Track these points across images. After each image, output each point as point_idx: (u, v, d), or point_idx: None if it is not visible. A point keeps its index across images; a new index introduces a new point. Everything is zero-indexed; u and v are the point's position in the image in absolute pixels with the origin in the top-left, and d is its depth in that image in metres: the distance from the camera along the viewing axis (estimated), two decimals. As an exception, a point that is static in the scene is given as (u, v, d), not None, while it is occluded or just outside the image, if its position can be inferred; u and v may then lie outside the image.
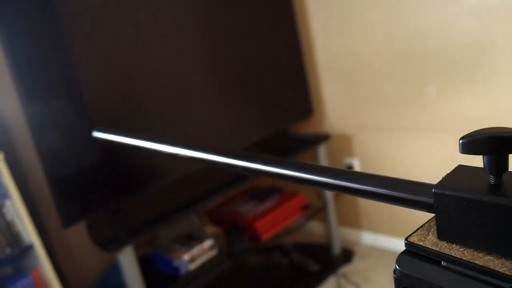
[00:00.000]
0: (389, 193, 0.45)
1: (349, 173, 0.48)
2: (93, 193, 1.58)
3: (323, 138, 2.23)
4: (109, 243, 1.58)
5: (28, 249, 1.51)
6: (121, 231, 1.63)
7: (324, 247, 2.38)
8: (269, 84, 2.10)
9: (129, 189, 1.67)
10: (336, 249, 2.33)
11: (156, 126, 1.72)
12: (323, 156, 2.21)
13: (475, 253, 0.39)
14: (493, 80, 1.77)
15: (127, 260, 1.60)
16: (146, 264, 1.85)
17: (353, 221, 2.43)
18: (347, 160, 2.33)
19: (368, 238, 2.39)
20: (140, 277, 1.63)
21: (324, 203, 2.26)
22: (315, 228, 2.57)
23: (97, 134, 0.62)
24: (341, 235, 2.41)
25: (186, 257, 1.80)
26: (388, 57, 2.02)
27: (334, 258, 2.31)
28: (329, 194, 2.27)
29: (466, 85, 1.84)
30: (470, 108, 1.85)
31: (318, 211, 2.30)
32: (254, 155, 0.53)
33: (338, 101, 2.29)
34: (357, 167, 2.29)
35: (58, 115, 1.49)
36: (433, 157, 1.96)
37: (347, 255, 2.32)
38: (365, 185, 0.46)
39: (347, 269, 2.23)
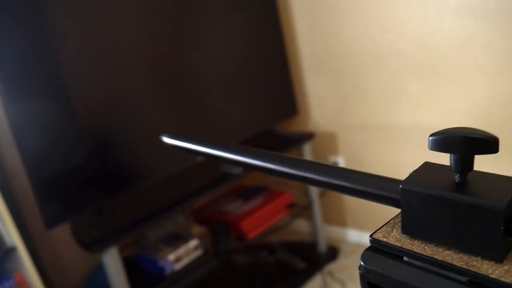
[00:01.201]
0: (358, 188, 0.46)
1: (319, 166, 0.49)
2: (77, 194, 1.58)
3: (308, 136, 2.24)
4: (94, 244, 1.58)
5: (10, 251, 1.50)
6: (106, 232, 1.63)
7: (310, 245, 2.39)
8: (254, 84, 2.10)
9: (114, 189, 1.67)
10: (322, 247, 2.34)
11: (142, 125, 1.72)
12: (308, 154, 2.22)
13: (435, 248, 0.40)
14: (474, 77, 1.79)
15: (112, 261, 1.60)
16: (132, 265, 1.85)
17: (338, 219, 2.45)
18: (332, 158, 2.35)
19: (353, 235, 2.41)
20: (125, 278, 1.63)
21: (310, 201, 2.28)
22: (301, 226, 2.59)
23: (167, 140, 0.61)
24: (327, 233, 2.43)
25: (171, 257, 1.81)
26: (372, 55, 2.04)
27: (320, 256, 2.33)
28: (314, 193, 2.28)
29: (448, 83, 1.86)
30: (451, 105, 1.87)
31: (304, 210, 2.32)
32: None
33: (322, 100, 2.30)
34: (342, 165, 2.31)
35: (40, 116, 1.49)
36: (416, 154, 1.98)
37: (332, 253, 2.33)
38: (333, 178, 0.47)
39: (332, 266, 2.25)
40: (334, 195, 2.40)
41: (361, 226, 2.36)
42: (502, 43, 1.69)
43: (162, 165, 1.78)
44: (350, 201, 2.35)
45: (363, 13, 2.00)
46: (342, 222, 2.45)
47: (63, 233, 1.81)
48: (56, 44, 1.50)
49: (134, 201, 1.87)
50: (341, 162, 2.32)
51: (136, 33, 1.69)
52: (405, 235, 0.43)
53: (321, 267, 2.25)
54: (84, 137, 1.59)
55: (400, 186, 0.42)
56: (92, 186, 1.61)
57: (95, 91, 1.60)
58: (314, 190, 2.27)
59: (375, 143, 2.16)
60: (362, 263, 0.43)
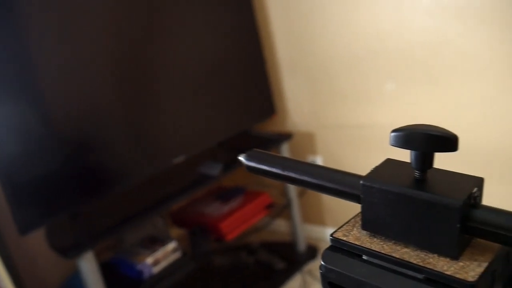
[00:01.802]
0: (320, 183, 0.46)
1: (284, 161, 0.49)
2: (52, 198, 1.55)
3: (286, 136, 2.24)
4: (69, 249, 1.56)
5: (-17, 258, 1.47)
6: (81, 237, 1.61)
7: (290, 245, 2.40)
8: (231, 85, 2.10)
9: (90, 192, 1.65)
10: (301, 246, 2.35)
11: (117, 128, 1.70)
12: (286, 154, 2.22)
13: (393, 246, 0.41)
14: (447, 76, 1.82)
15: (88, 266, 1.58)
16: (109, 269, 1.83)
17: (317, 218, 2.46)
18: (310, 158, 2.35)
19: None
20: (102, 283, 1.61)
21: (289, 201, 2.28)
22: (280, 226, 2.59)
23: (246, 162, 0.54)
24: (306, 232, 2.43)
25: (149, 260, 1.79)
26: (349, 55, 2.05)
27: (299, 255, 2.33)
28: (293, 193, 2.29)
29: (422, 82, 1.88)
30: (426, 104, 1.90)
31: (283, 209, 2.32)
32: None
33: (300, 100, 2.31)
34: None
35: (12, 119, 1.46)
36: (393, 152, 2.00)
37: (312, 252, 2.34)
38: (296, 173, 0.47)
39: (312, 265, 2.26)
40: (313, 194, 2.41)
41: (340, 225, 2.37)
42: (476, 44, 1.72)
43: (138, 167, 1.77)
44: (329, 200, 2.36)
45: (338, 16, 2.01)
46: (321, 221, 2.46)
47: (37, 239, 1.78)
48: (27, 47, 1.48)
49: (110, 204, 1.85)
50: (320, 162, 2.33)
51: (109, 36, 1.68)
52: (365, 232, 0.43)
53: (301, 266, 2.26)
54: (58, 140, 1.57)
55: (361, 182, 0.42)
56: (67, 190, 1.59)
57: (69, 94, 1.58)
58: (292, 190, 2.28)
59: (353, 142, 2.17)
60: (322, 263, 0.43)
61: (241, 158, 0.52)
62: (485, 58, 1.72)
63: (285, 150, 2.22)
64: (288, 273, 2.22)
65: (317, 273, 1.94)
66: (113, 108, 1.70)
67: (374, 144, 2.09)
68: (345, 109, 2.15)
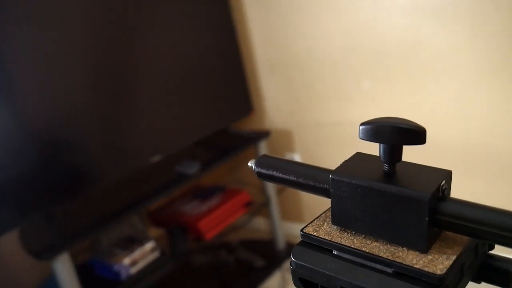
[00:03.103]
0: (289, 178, 0.46)
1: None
2: (25, 199, 1.52)
3: (264, 134, 2.24)
4: (43, 251, 1.53)
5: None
6: (57, 238, 1.58)
7: (269, 243, 2.40)
8: (208, 83, 2.09)
9: (65, 193, 1.62)
10: (281, 244, 2.35)
11: (92, 128, 1.68)
12: (264, 152, 2.22)
13: (363, 240, 0.40)
14: (422, 74, 1.83)
15: (63, 268, 1.55)
16: (86, 271, 1.80)
17: (296, 215, 2.47)
18: (288, 156, 2.36)
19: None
20: (78, 285, 1.59)
21: (267, 199, 2.28)
22: (259, 224, 2.59)
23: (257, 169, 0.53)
24: (285, 229, 2.43)
25: (126, 261, 1.77)
26: (326, 52, 2.05)
27: (278, 253, 2.34)
28: (271, 190, 2.29)
29: (397, 80, 1.90)
30: (401, 102, 1.91)
31: (262, 207, 2.32)
32: None
33: (278, 98, 2.31)
34: (298, 162, 2.32)
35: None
36: (369, 148, 2.01)
37: (291, 249, 2.33)
38: (264, 169, 0.47)
39: (291, 263, 2.26)
40: (291, 191, 2.41)
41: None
42: (450, 42, 1.74)
43: (115, 166, 1.74)
44: (307, 197, 2.37)
45: (315, 15, 2.01)
46: (299, 218, 2.46)
47: (11, 241, 1.74)
48: (3, 43, 1.45)
49: (87, 204, 1.82)
50: (297, 159, 2.33)
51: (84, 35, 1.65)
52: (336, 227, 0.43)
53: (280, 264, 2.26)
54: (32, 139, 1.53)
55: (330, 176, 0.42)
56: (42, 190, 1.56)
57: (42, 93, 1.55)
58: (271, 188, 2.28)
59: (330, 140, 2.18)
60: (292, 259, 0.42)
61: (251, 164, 0.50)
62: (459, 56, 1.74)
63: (263, 148, 2.22)
64: (267, 271, 2.22)
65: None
66: (88, 107, 1.67)
67: (351, 141, 2.09)
68: (322, 107, 2.15)
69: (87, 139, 1.67)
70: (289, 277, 2.03)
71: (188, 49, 1.99)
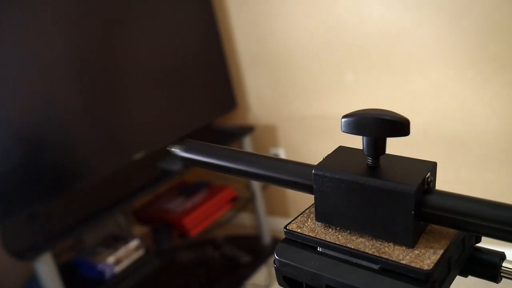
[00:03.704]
0: (269, 174, 0.45)
1: (233, 153, 0.47)
2: (6, 198, 1.49)
3: (248, 129, 2.23)
4: (25, 252, 1.50)
5: None
6: (39, 238, 1.55)
7: (255, 238, 2.39)
8: (191, 78, 2.06)
9: (47, 192, 1.59)
10: (266, 239, 2.34)
11: (75, 126, 1.65)
12: (248, 147, 2.21)
13: (349, 236, 0.39)
14: (405, 66, 1.83)
15: (46, 269, 1.52)
16: (69, 270, 1.77)
17: (281, 210, 2.46)
18: (273, 150, 2.35)
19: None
20: (61, 285, 1.56)
21: (252, 194, 2.27)
22: (244, 219, 2.58)
23: (181, 154, 0.52)
24: (271, 224, 2.43)
25: (111, 259, 1.75)
26: (309, 46, 2.04)
27: (264, 248, 2.33)
28: (256, 186, 2.28)
29: (380, 72, 1.90)
30: (385, 94, 1.91)
31: (247, 203, 2.31)
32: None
33: (261, 92, 2.29)
34: (283, 157, 2.31)
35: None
36: (354, 142, 2.01)
37: (277, 244, 2.34)
38: (244, 165, 0.45)
39: (277, 258, 2.25)
40: (276, 187, 2.40)
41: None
42: (432, 33, 1.74)
43: (98, 164, 1.71)
44: (292, 192, 2.36)
45: (298, 8, 2.00)
46: (285, 213, 2.46)
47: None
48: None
49: (69, 203, 1.79)
50: (282, 154, 2.32)
51: (67, 30, 1.61)
52: (320, 223, 0.42)
53: (266, 259, 2.25)
54: (12, 137, 1.50)
55: (313, 171, 0.41)
56: (23, 190, 1.53)
57: (23, 91, 1.51)
58: (256, 183, 2.26)
59: (314, 134, 2.18)
60: (276, 257, 0.41)
61: (174, 149, 0.50)
62: (441, 47, 1.74)
63: (247, 143, 2.21)
64: (253, 266, 2.21)
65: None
66: (70, 104, 1.64)
67: (336, 134, 2.09)
68: (306, 101, 2.14)
69: (70, 137, 1.64)
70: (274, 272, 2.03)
71: (170, 45, 1.97)
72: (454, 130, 1.82)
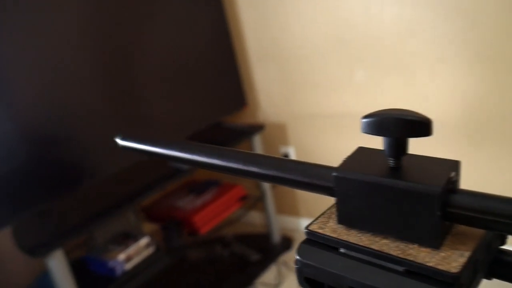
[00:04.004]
0: (289, 177, 0.44)
1: (249, 156, 0.47)
2: (18, 195, 1.50)
3: (258, 128, 2.22)
4: (37, 248, 1.51)
5: None
6: (50, 235, 1.56)
7: (264, 236, 2.39)
8: (200, 76, 2.06)
9: (59, 189, 1.60)
10: (276, 238, 2.34)
11: (86, 123, 1.65)
12: (258, 146, 2.20)
13: (372, 237, 0.39)
14: (415, 64, 1.82)
15: (58, 265, 1.53)
16: (80, 267, 1.78)
17: (291, 209, 2.45)
18: (283, 149, 2.34)
19: (306, 225, 2.41)
20: (73, 282, 1.57)
21: (262, 193, 2.27)
22: (254, 218, 2.58)
23: (121, 142, 0.54)
24: (280, 223, 2.43)
25: (121, 256, 1.75)
26: (319, 44, 2.04)
27: (274, 247, 2.33)
28: (267, 184, 2.27)
29: (391, 70, 1.88)
30: (395, 92, 1.90)
31: (257, 201, 2.30)
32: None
33: (271, 90, 2.29)
34: (293, 155, 2.31)
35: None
36: (365, 141, 2.00)
37: (286, 243, 2.33)
38: (263, 168, 0.45)
39: (287, 256, 2.25)
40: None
41: (314, 215, 2.34)
42: (442, 31, 1.73)
43: (108, 162, 1.72)
44: (302, 191, 2.35)
45: (308, 5, 1.99)
46: (295, 212, 2.45)
47: (4, 238, 1.72)
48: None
49: (80, 200, 1.80)
50: (292, 152, 2.32)
51: (79, 29, 1.62)
52: (342, 225, 0.41)
53: (276, 257, 2.25)
54: (23, 135, 1.51)
55: (333, 174, 0.40)
56: (34, 187, 1.53)
57: (36, 87, 1.52)
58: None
59: (325, 132, 2.17)
60: (297, 257, 0.40)
61: (118, 140, 0.53)
62: (452, 45, 1.73)
63: (257, 142, 2.20)
64: (263, 265, 2.21)
65: (292, 263, 1.93)
66: (80, 101, 1.65)
67: (346, 132, 2.08)
68: (316, 98, 2.14)
69: (80, 135, 1.64)
70: (285, 271, 2.03)
71: (180, 43, 1.97)
72: (465, 130, 1.81)
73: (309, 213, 2.39)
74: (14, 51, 1.46)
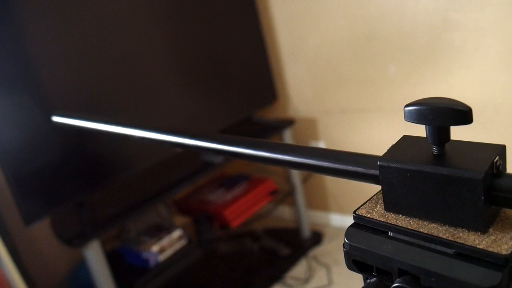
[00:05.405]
0: (336, 166, 0.45)
1: (296, 148, 0.48)
2: (56, 188, 1.54)
3: (288, 122, 2.23)
4: (75, 239, 1.55)
5: (-11, 249, 1.47)
6: (87, 226, 1.60)
7: (294, 231, 2.40)
8: (232, 71, 2.08)
9: (94, 182, 1.64)
10: (306, 232, 2.35)
11: (119, 115, 1.69)
12: (288, 140, 2.21)
13: (420, 222, 0.40)
14: (449, 58, 1.80)
15: (94, 255, 1.57)
16: (115, 258, 1.82)
17: (321, 203, 2.46)
18: (313, 144, 2.34)
19: (336, 219, 2.41)
20: (109, 272, 1.61)
21: (292, 187, 2.27)
22: (284, 212, 2.59)
23: (57, 119, 0.58)
24: (310, 218, 2.43)
25: (155, 248, 1.79)
26: (350, 39, 2.03)
27: (304, 241, 2.33)
28: (297, 178, 2.28)
29: (424, 64, 1.87)
30: (429, 87, 1.88)
31: (287, 196, 2.32)
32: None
33: (301, 85, 2.29)
34: (323, 150, 2.31)
35: (14, 111, 1.45)
36: (396, 136, 1.99)
37: (316, 238, 2.34)
38: (311, 159, 0.46)
39: (317, 251, 2.26)
40: (316, 180, 2.40)
41: (344, 210, 2.37)
42: (477, 24, 1.70)
43: (141, 156, 1.75)
44: (332, 185, 2.35)
45: (339, 0, 1.99)
46: (325, 206, 2.45)
47: (43, 229, 1.77)
48: (25, 40, 1.46)
49: (114, 193, 1.84)
50: (322, 147, 2.32)
51: (115, 24, 1.65)
52: (389, 212, 0.42)
53: (306, 252, 2.26)
54: (61, 130, 1.55)
55: (378, 163, 0.41)
56: (71, 180, 1.58)
57: (70, 83, 1.56)
58: (296, 176, 2.27)
59: (355, 127, 2.16)
60: (346, 240, 0.42)
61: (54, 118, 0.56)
62: (488, 39, 1.70)
63: (288, 136, 2.21)
64: (293, 259, 2.22)
65: (322, 258, 1.94)
66: (115, 97, 1.68)
67: (377, 128, 2.07)
68: (347, 93, 2.13)
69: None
70: (315, 265, 2.03)
71: (212, 38, 1.99)
72: (500, 124, 1.78)
73: (339, 208, 2.39)
74: (48, 48, 1.51)
